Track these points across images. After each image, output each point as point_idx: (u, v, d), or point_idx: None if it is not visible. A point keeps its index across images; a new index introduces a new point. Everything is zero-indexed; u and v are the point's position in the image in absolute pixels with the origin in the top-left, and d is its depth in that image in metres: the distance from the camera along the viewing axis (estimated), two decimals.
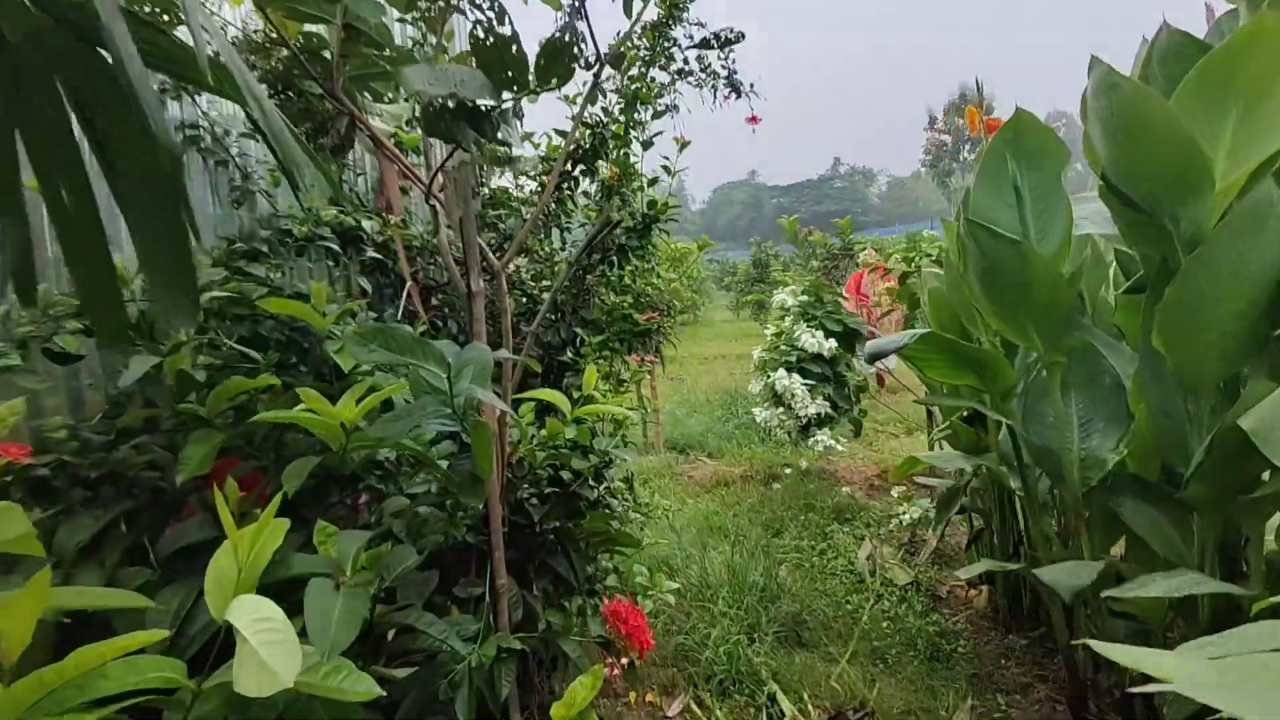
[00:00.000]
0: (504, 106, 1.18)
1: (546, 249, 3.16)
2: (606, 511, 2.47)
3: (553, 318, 2.91)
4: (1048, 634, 3.14)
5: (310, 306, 1.81)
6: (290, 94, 1.52)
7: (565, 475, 1.90)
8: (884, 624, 3.29)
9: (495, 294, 1.71)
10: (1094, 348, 2.38)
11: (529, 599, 1.84)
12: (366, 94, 1.68)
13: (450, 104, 1.11)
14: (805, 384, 4.94)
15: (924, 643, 3.10)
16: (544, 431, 1.86)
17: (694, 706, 2.77)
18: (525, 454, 1.88)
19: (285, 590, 1.25)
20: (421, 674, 1.44)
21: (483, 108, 1.13)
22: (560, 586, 2.05)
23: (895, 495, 4.66)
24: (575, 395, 2.29)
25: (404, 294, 2.03)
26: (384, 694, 1.08)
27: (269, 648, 0.96)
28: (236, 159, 2.16)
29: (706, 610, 3.27)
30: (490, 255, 1.57)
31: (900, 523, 4.28)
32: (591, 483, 2.39)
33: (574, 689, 1.51)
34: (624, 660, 1.80)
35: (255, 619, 1.00)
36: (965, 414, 3.25)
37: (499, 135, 1.20)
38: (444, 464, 1.77)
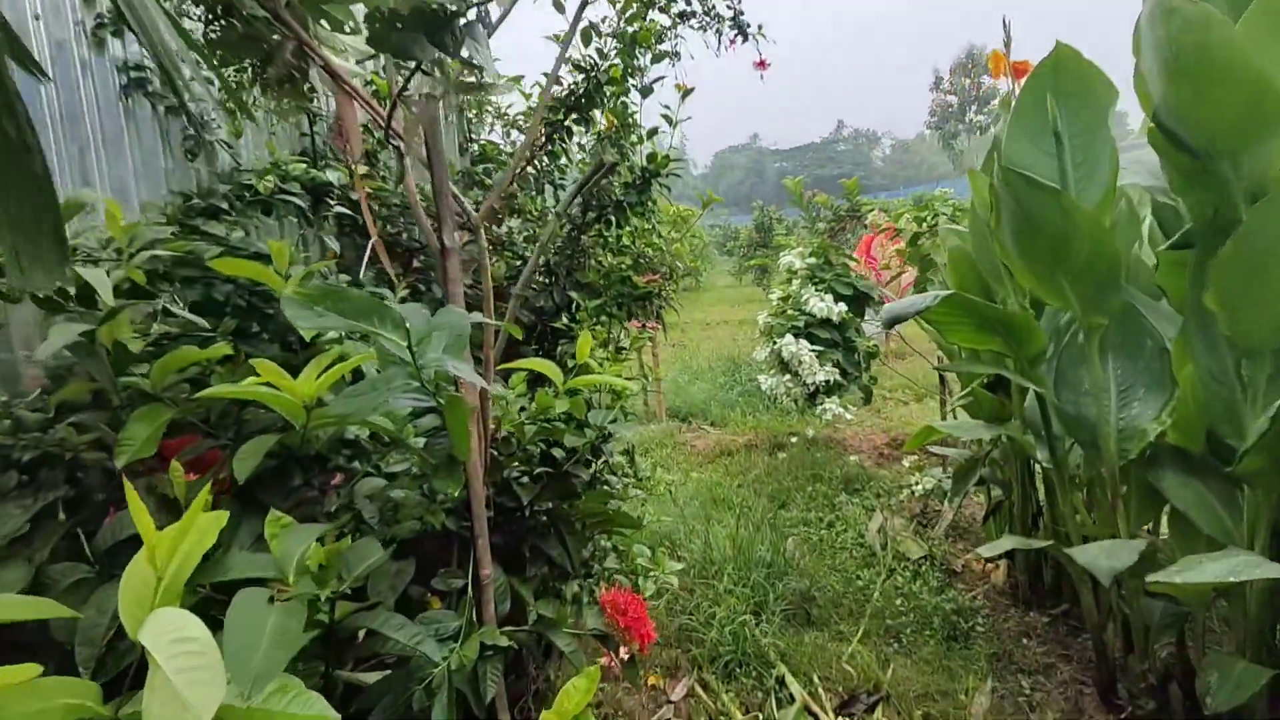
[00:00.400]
0: (469, 17, 0.98)
1: (539, 207, 2.95)
2: (604, 489, 2.30)
3: (546, 281, 2.71)
4: (1071, 610, 2.99)
5: (269, 268, 1.61)
6: (232, 19, 1.31)
7: (557, 453, 1.73)
8: (897, 601, 3.15)
9: (475, 252, 1.52)
10: (1134, 309, 2.19)
11: (518, 588, 1.68)
12: (323, 22, 1.47)
13: (403, 10, 0.91)
14: (813, 350, 4.75)
15: (940, 621, 2.96)
16: (534, 405, 1.69)
17: (698, 689, 2.64)
18: (513, 430, 1.71)
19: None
20: (394, 679, 1.28)
21: (442, 12, 0.93)
22: (555, 572, 1.89)
23: (907, 465, 4.50)
24: (570, 364, 2.11)
25: (368, 251, 1.83)
26: (335, 717, 0.91)
27: (186, 675, 0.79)
28: (189, 104, 1.95)
29: (711, 588, 3.12)
30: (467, 206, 1.37)
31: (912, 493, 4.12)
32: (589, 457, 2.22)
33: (566, 694, 1.36)
34: (624, 653, 1.65)
35: (174, 639, 0.82)
36: (987, 380, 3.06)
37: (465, 53, 1.00)
38: (423, 442, 1.59)
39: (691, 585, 3.17)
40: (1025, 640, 2.86)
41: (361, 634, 1.40)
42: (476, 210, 1.66)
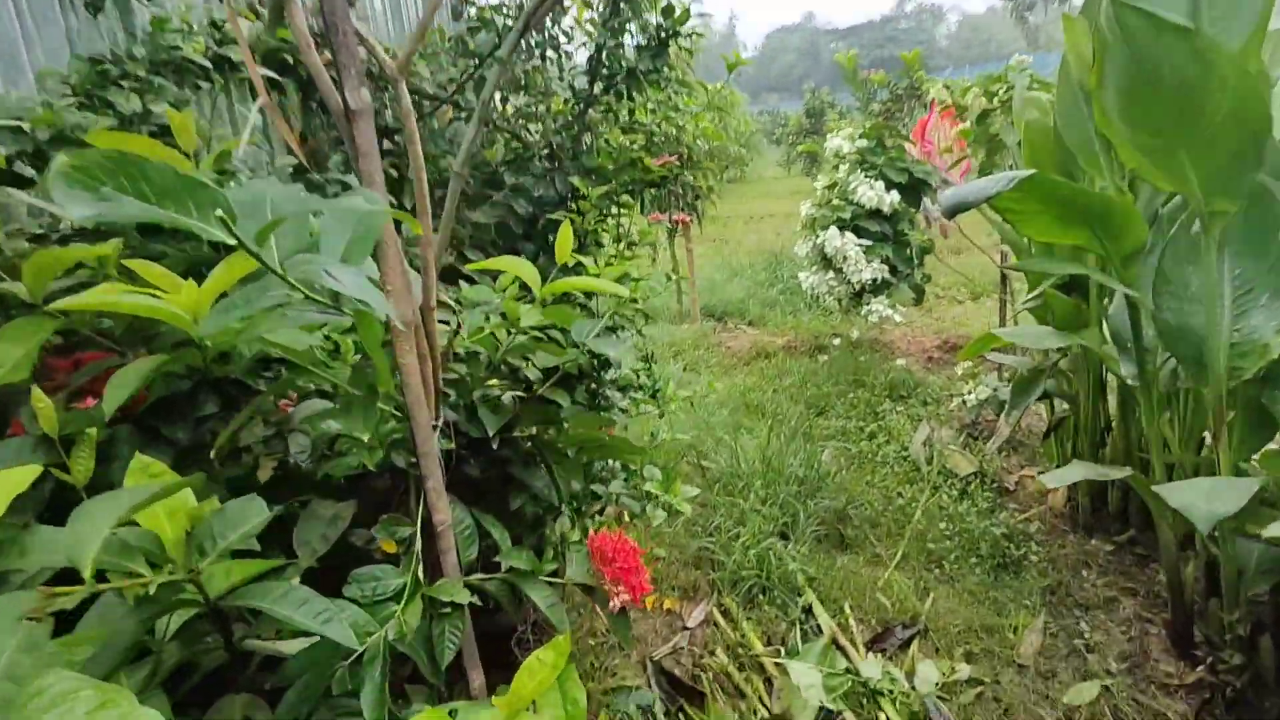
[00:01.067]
0: None
1: (541, 81, 2.53)
2: (603, 412, 2.02)
3: (547, 166, 2.34)
4: (1139, 537, 2.68)
5: (171, 146, 1.29)
6: None
7: (530, 373, 1.43)
8: (941, 523, 2.87)
9: (397, 115, 1.17)
10: (1266, 194, 1.74)
11: (490, 529, 1.43)
12: None
13: None
14: (860, 244, 4.29)
15: (988, 546, 2.67)
16: (497, 320, 1.38)
17: (717, 616, 2.44)
18: (483, 346, 1.41)
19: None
20: (315, 652, 1.05)
21: None
22: (543, 507, 1.64)
23: (959, 371, 4.12)
24: (572, 264, 1.78)
25: (253, 113, 1.48)
26: None
27: None
28: None
29: (736, 506, 2.88)
30: (379, 52, 1.02)
31: (963, 403, 3.77)
32: (579, 377, 1.93)
33: (527, 671, 1.12)
34: (615, 605, 1.42)
35: None
36: (1061, 281, 2.63)
37: None
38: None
39: (714, 502, 2.93)
40: (1084, 570, 2.57)
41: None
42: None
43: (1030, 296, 2.73)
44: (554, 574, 1.44)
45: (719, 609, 2.48)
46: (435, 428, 1.27)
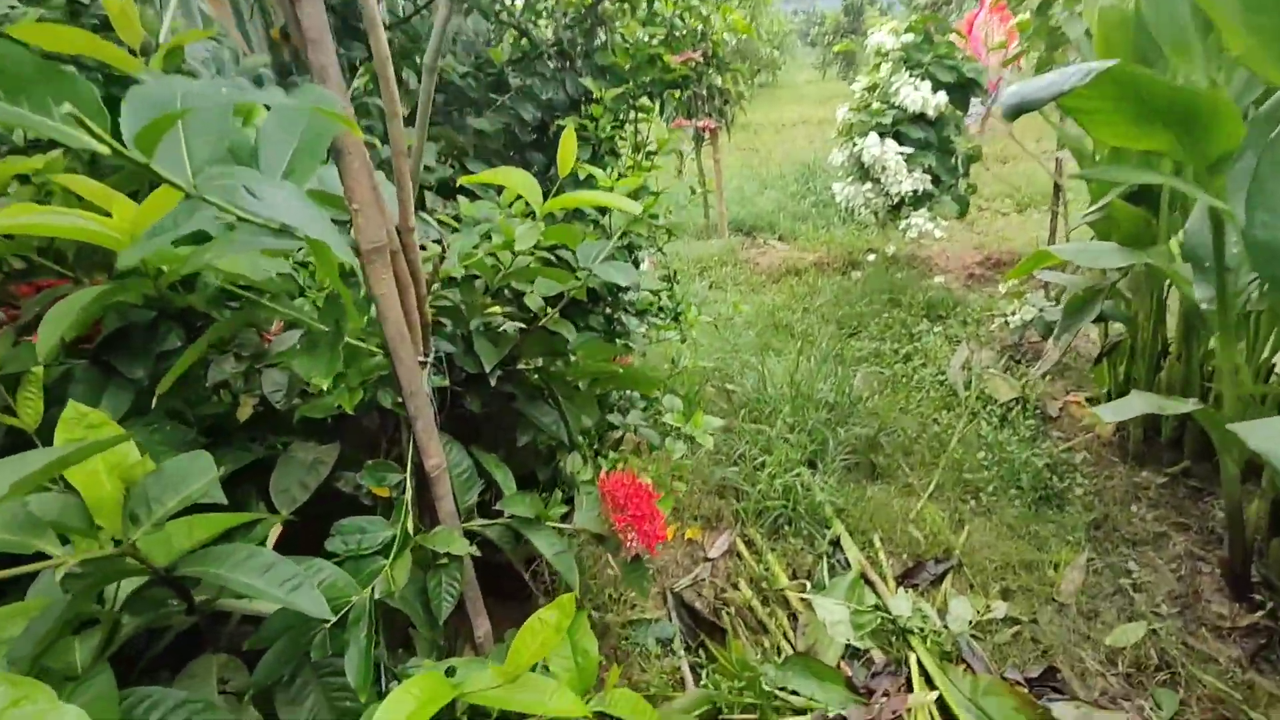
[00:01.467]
0: None
1: None
2: (618, 340, 1.87)
3: (556, 65, 2.11)
4: (1193, 469, 2.51)
5: (112, 42, 1.12)
6: None
7: (530, 302, 1.28)
8: (979, 452, 2.72)
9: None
10: None
11: (492, 470, 1.31)
12: None
13: None
14: (900, 152, 3.97)
15: (1029, 477, 2.53)
16: (496, 240, 1.21)
17: (740, 547, 2.36)
18: (479, 270, 1.25)
19: None
20: (296, 613, 0.95)
21: None
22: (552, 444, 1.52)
23: (1002, 290, 3.88)
24: (583, 176, 1.60)
25: None
26: None
27: None
28: None
29: (762, 433, 2.76)
30: None
31: (1006, 323, 3.55)
32: (590, 303, 1.78)
33: (524, 637, 1.02)
34: (628, 552, 1.31)
35: None
36: (1129, 192, 2.37)
37: None
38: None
39: (739, 428, 2.81)
40: (1133, 504, 2.42)
41: (270, 536, 1.07)
42: None
43: (1091, 209, 2.47)
44: (564, 517, 1.33)
45: (742, 540, 2.40)
46: (424, 363, 1.14)
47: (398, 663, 1.22)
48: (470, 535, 1.24)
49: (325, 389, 1.01)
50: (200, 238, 0.71)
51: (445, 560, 1.15)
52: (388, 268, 0.98)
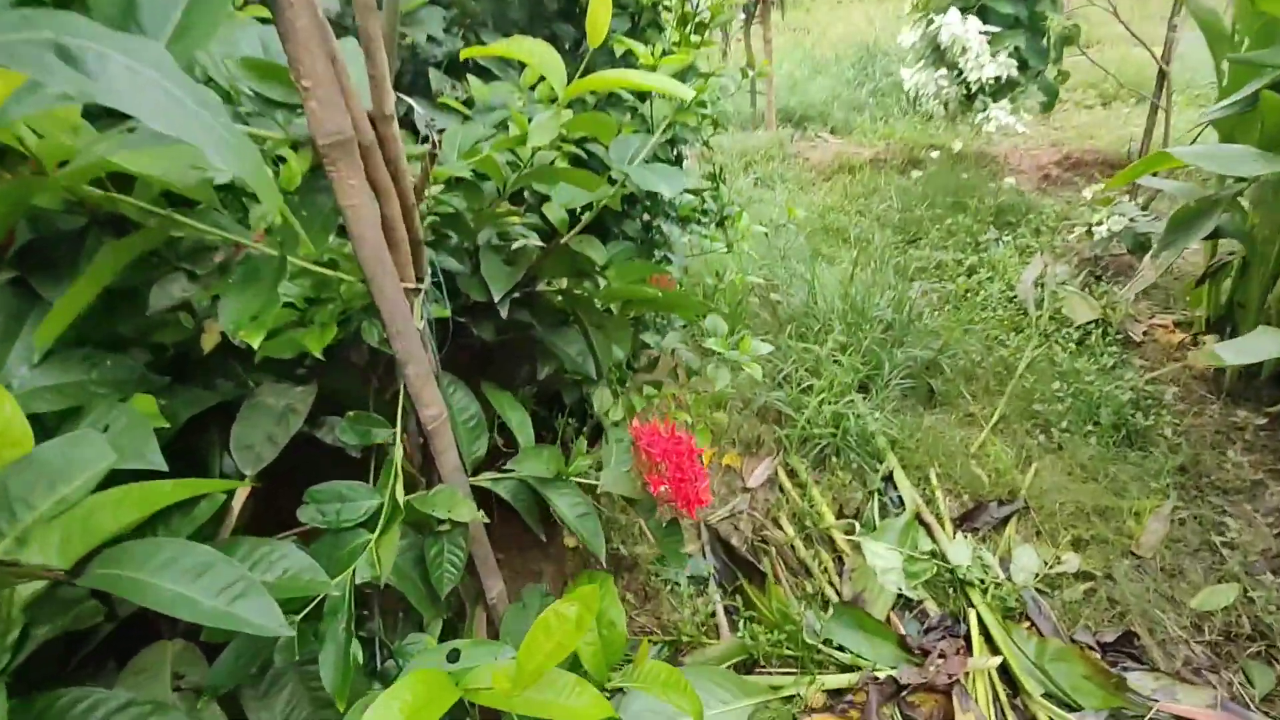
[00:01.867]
0: None
1: None
2: (658, 245, 1.61)
3: None
4: None
5: None
6: None
7: (551, 213, 1.02)
8: (1053, 382, 2.45)
9: None
10: None
11: (508, 412, 1.11)
12: None
13: None
14: (984, 32, 3.47)
15: (1109, 412, 2.27)
16: (513, 132, 0.94)
17: (783, 477, 2.17)
18: (487, 170, 1.00)
19: None
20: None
21: None
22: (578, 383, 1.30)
23: (1087, 195, 3.46)
24: (619, 53, 1.30)
25: None
26: None
27: None
28: None
29: (810, 353, 2.51)
30: None
31: (1089, 234, 3.17)
32: (647, 204, 1.51)
33: (537, 637, 0.83)
34: (661, 517, 1.12)
35: None
36: (1276, 81, 1.97)
37: None
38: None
39: (786, 346, 2.56)
40: (1227, 448, 2.16)
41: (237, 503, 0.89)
42: None
43: (1225, 102, 2.07)
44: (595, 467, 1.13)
45: (785, 470, 2.21)
46: (417, 291, 0.91)
47: (397, 633, 1.07)
48: (477, 492, 1.05)
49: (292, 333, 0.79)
50: None
51: (448, 525, 0.97)
52: (356, 169, 0.73)
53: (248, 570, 0.72)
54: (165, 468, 0.73)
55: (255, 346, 0.63)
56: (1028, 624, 1.71)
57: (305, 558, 0.75)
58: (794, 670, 1.60)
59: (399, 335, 0.86)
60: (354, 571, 0.82)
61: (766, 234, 2.45)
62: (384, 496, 0.88)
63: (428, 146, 0.82)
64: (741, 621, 1.72)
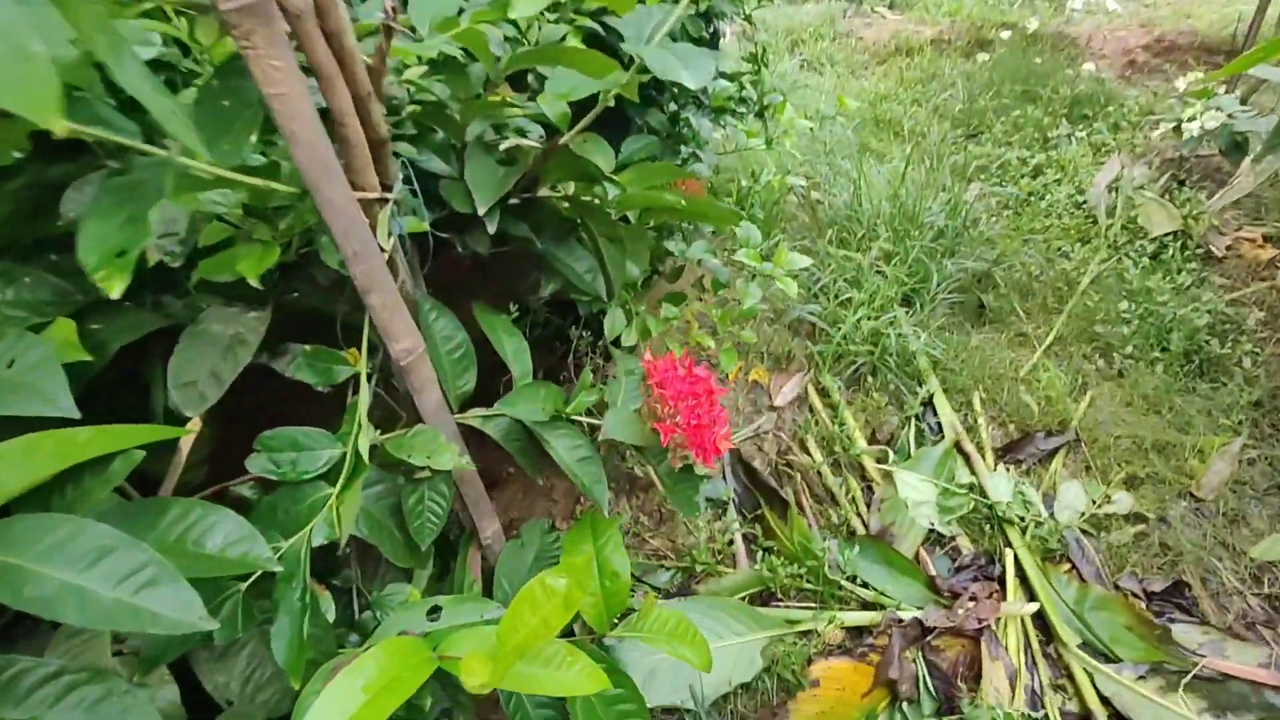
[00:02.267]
0: None
1: None
2: (686, 141, 1.41)
3: None
4: None
5: None
6: None
7: (547, 105, 0.84)
8: (1119, 300, 2.23)
9: None
10: None
11: (497, 341, 0.97)
12: None
13: None
14: None
15: (1180, 336, 2.06)
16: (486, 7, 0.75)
17: (813, 396, 2.03)
18: (471, 46, 0.81)
19: None
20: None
21: None
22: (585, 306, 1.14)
23: (1180, 86, 3.07)
24: None
25: None
26: None
27: None
28: None
29: (851, 260, 2.31)
30: None
31: (1177, 131, 2.82)
32: (669, 88, 1.30)
33: (521, 611, 0.72)
34: (678, 459, 0.99)
35: None
36: None
37: None
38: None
39: (824, 253, 2.35)
40: None
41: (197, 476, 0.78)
42: None
43: None
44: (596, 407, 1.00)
45: (816, 388, 2.06)
46: (383, 201, 0.75)
47: (378, 577, 0.98)
48: (463, 430, 0.92)
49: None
50: None
51: (430, 475, 0.85)
52: (280, 46, 0.56)
53: (174, 541, 0.61)
54: (76, 414, 0.60)
55: (112, 294, 0.48)
56: (1068, 567, 1.59)
57: (245, 526, 0.64)
58: (813, 605, 1.52)
59: (357, 257, 0.70)
60: (310, 533, 0.72)
61: (812, 129, 2.19)
62: (348, 443, 0.76)
63: (381, 15, 0.63)
64: (760, 552, 1.63)
